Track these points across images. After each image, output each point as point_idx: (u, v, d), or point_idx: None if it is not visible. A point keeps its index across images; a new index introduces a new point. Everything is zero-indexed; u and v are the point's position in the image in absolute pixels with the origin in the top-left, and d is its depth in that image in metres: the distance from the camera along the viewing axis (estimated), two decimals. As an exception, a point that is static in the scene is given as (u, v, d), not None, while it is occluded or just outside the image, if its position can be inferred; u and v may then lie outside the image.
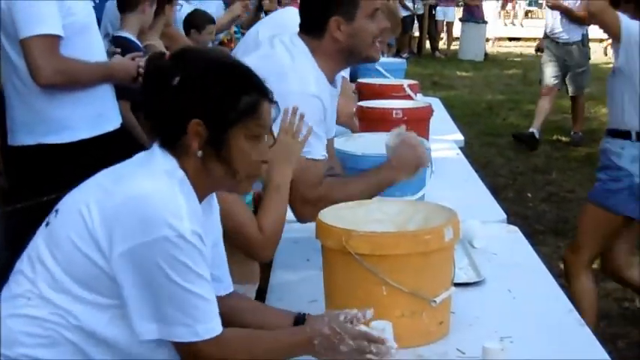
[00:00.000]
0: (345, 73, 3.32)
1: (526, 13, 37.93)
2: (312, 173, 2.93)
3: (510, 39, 24.55)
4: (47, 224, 2.20)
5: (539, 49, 11.99)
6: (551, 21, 10.06)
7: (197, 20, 6.65)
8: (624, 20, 4.47)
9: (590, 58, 10.48)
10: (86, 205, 2.09)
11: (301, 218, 3.01)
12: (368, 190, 2.98)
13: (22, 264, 2.18)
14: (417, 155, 3.09)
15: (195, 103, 2.13)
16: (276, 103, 2.27)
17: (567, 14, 9.49)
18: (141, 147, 4.51)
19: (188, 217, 2.04)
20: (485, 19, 20.19)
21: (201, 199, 2.19)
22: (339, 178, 3.16)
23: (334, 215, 2.53)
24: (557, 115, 12.11)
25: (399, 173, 3.04)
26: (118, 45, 4.85)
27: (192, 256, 2.04)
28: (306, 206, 2.91)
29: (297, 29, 3.09)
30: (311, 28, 3.05)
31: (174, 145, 2.16)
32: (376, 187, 3.02)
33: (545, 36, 10.47)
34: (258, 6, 8.52)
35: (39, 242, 2.17)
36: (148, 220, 2.01)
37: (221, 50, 2.24)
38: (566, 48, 9.89)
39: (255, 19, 8.45)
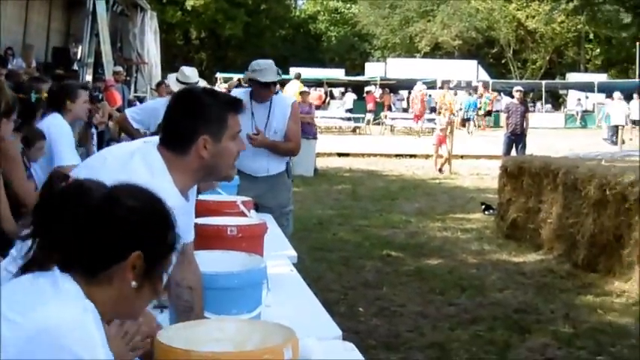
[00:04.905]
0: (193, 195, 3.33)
1: (354, 130, 38.98)
2: None
3: (339, 154, 25.03)
4: None
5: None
6: None
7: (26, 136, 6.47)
8: None
9: None
10: None
11: None
12: None
13: None
14: None
15: (140, 236, 2.18)
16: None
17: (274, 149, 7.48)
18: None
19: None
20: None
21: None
22: None
23: (173, 335, 2.49)
24: (386, 230, 12.36)
25: None
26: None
27: None
28: None
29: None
30: (175, 144, 3.09)
31: (95, 275, 2.15)
32: None
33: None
34: (87, 123, 8.45)
35: None
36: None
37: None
38: None
39: (84, 134, 8.37)
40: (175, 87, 8.68)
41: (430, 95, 41.20)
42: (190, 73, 8.90)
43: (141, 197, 2.26)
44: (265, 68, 7.06)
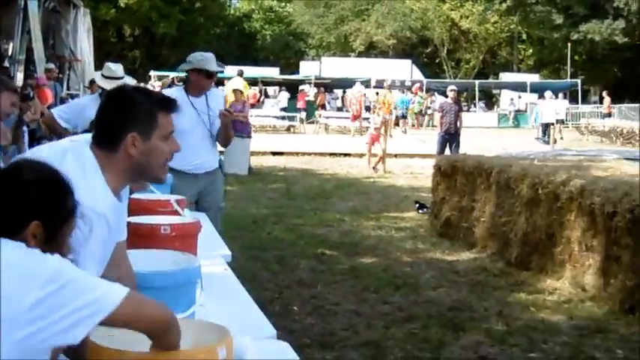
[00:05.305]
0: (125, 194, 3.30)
1: (288, 128, 38.94)
2: None
3: (274, 153, 24.98)
4: None
5: None
6: None
7: None
8: None
9: None
10: None
11: None
12: None
13: None
14: None
15: (35, 207, 2.36)
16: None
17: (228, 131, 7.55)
18: None
19: None
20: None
21: None
22: None
23: (107, 335, 2.45)
24: (321, 229, 12.36)
25: None
26: None
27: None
28: None
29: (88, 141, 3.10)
30: (105, 142, 3.07)
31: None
32: None
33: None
34: (18, 121, 8.31)
35: None
36: None
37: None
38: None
39: (16, 133, 8.24)
40: (102, 82, 8.58)
41: (365, 94, 41.32)
42: (116, 68, 8.80)
43: (37, 170, 2.44)
44: (209, 58, 7.28)
